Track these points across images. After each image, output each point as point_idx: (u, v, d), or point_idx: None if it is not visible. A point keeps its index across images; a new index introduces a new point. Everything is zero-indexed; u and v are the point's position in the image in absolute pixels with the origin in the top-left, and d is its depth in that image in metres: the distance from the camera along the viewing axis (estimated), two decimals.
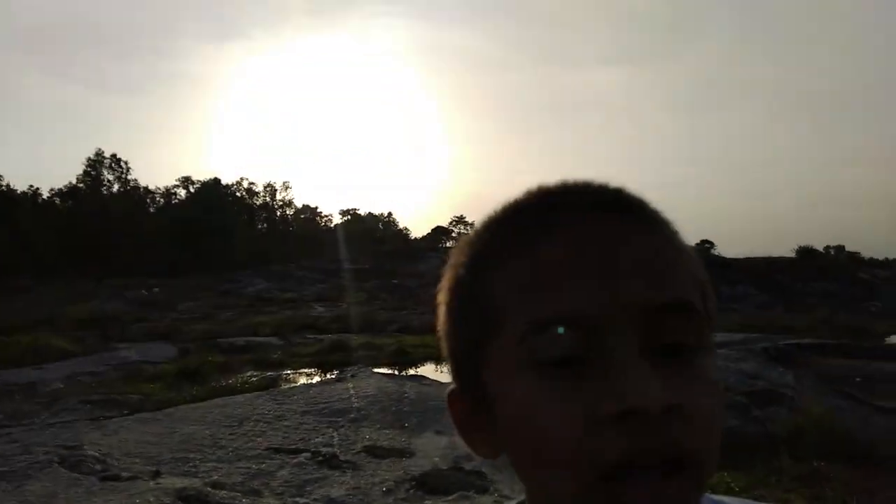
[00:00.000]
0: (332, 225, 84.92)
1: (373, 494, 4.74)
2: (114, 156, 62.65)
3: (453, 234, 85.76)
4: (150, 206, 66.52)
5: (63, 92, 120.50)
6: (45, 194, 60.05)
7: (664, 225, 0.51)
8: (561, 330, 0.45)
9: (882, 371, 9.14)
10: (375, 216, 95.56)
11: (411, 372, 12.15)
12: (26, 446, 4.89)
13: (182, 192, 68.23)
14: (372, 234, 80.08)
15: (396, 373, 11.63)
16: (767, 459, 5.28)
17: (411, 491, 4.94)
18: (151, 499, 3.74)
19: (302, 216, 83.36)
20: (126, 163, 63.22)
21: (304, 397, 7.03)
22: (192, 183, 67.96)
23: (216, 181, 67.79)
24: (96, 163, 61.64)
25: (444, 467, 5.90)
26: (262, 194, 75.79)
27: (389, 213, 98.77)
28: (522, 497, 0.55)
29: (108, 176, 62.62)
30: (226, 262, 51.12)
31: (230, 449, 5.13)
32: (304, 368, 13.01)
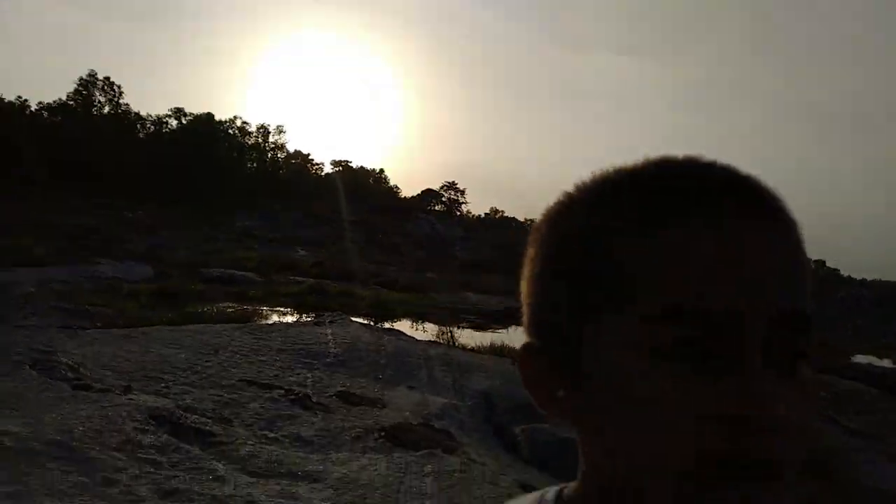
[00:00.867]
0: (322, 174, 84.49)
1: (342, 439, 4.73)
2: (107, 78, 62.01)
3: (444, 199, 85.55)
4: (139, 133, 65.79)
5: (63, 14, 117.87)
6: (34, 107, 59.19)
7: (796, 226, 0.50)
8: (698, 321, 0.45)
9: (851, 390, 9.36)
10: (367, 170, 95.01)
11: (387, 325, 12.17)
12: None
13: (174, 123, 67.54)
14: (363, 187, 79.76)
15: (374, 324, 11.63)
16: None
17: (380, 441, 4.94)
18: (123, 413, 3.69)
19: (293, 161, 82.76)
20: (119, 87, 62.66)
21: (282, 336, 7.00)
22: (185, 115, 67.34)
23: (210, 116, 67.17)
24: (88, 83, 60.94)
25: (415, 422, 5.92)
26: (254, 134, 75.19)
27: (381, 170, 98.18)
28: (560, 486, 0.55)
29: (99, 97, 61.94)
30: (213, 196, 50.86)
31: (204, 375, 5.09)
32: (281, 307, 13.00)
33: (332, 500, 3.16)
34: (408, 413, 5.95)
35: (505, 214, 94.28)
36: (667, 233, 0.47)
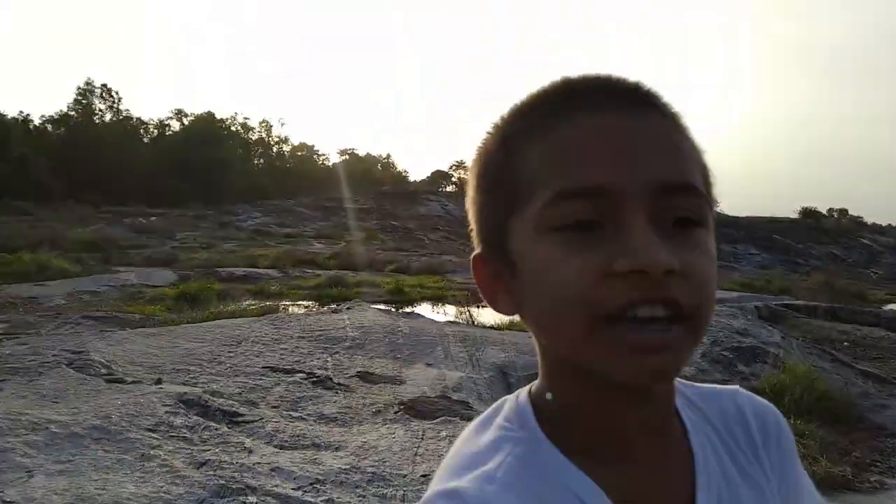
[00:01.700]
0: (329, 164, 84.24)
1: (363, 414, 4.96)
2: (104, 85, 62.35)
3: (453, 179, 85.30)
4: (143, 137, 66.08)
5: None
6: (37, 121, 59.55)
7: (676, 116, 0.57)
8: (582, 198, 0.52)
9: (871, 336, 9.36)
10: (374, 157, 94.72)
11: (407, 310, 12.36)
12: (35, 349, 5.11)
13: (175, 125, 67.73)
14: (371, 174, 79.46)
15: (393, 309, 11.84)
16: None
17: (399, 413, 5.17)
18: (155, 399, 3.96)
19: (299, 153, 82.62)
20: (117, 93, 63.02)
21: (301, 324, 7.24)
22: (186, 115, 67.50)
23: (210, 114, 67.26)
24: (87, 92, 61.15)
25: (432, 395, 6.14)
26: (257, 129, 75.16)
27: (388, 155, 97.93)
28: (530, 385, 0.63)
29: (99, 105, 62.20)
30: (223, 195, 50.95)
31: (228, 365, 5.35)
32: (302, 301, 13.22)
33: (353, 464, 3.41)
34: (426, 388, 6.16)
35: None
36: (557, 133, 0.54)
